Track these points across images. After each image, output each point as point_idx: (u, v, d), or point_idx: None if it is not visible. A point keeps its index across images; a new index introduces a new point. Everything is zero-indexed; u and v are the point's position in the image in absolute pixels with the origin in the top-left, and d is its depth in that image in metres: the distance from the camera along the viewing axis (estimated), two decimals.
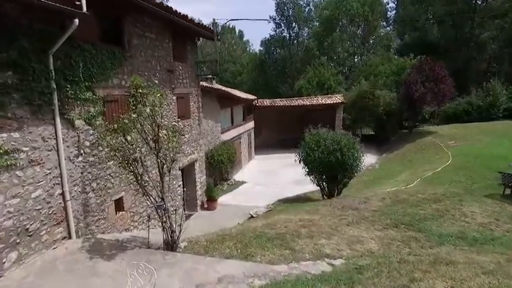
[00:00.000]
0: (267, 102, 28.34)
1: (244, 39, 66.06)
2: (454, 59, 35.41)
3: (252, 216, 11.74)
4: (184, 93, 11.70)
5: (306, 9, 45.27)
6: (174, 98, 10.86)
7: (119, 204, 7.83)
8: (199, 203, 13.16)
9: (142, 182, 6.03)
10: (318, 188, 13.95)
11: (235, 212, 12.73)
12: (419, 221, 7.58)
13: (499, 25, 36.89)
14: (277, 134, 28.15)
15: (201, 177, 13.49)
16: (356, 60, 42.56)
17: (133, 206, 8.47)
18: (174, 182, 11.01)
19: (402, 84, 26.92)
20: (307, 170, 13.48)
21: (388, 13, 47.09)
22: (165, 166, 6.09)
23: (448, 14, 39.12)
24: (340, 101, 27.85)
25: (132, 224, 8.40)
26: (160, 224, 6.04)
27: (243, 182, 17.98)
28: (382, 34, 42.28)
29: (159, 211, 5.94)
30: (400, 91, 27.18)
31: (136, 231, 8.28)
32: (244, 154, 23.03)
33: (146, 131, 5.76)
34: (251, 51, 61.69)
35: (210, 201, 13.09)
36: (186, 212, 12.47)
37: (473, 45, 38.72)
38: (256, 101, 26.50)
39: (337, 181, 13.21)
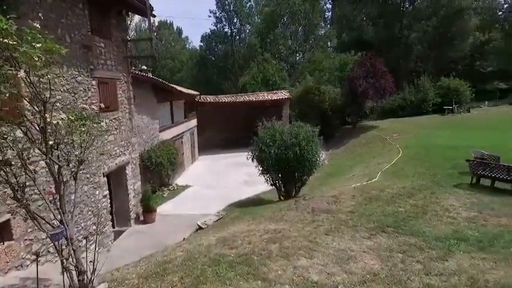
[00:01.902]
0: (210, 98, 26.27)
1: (183, 35, 62.75)
2: (387, 58, 37.28)
3: (200, 228, 9.72)
4: (109, 78, 9.21)
5: (248, 5, 44.11)
6: (94, 82, 8.36)
7: (1, 232, 5.27)
8: (133, 215, 10.69)
9: (25, 198, 3.73)
10: (272, 187, 12.53)
11: (180, 222, 10.58)
12: (405, 221, 6.42)
13: (424, 28, 39.80)
14: (223, 132, 26.25)
15: (134, 184, 11.02)
16: (298, 58, 42.58)
17: (30, 231, 5.91)
18: (97, 192, 8.48)
19: (346, 79, 27.07)
20: (261, 168, 11.93)
21: (326, 13, 48.35)
22: (65, 171, 3.90)
23: (379, 16, 41.23)
24: (286, 97, 27.03)
25: (28, 257, 5.84)
26: (66, 260, 3.81)
27: (187, 186, 15.75)
28: (322, 33, 42.96)
29: (56, 242, 3.72)
30: (344, 86, 27.31)
31: (37, 267, 5.74)
32: (187, 155, 20.70)
33: (24, 114, 3.50)
34: (191, 48, 58.70)
35: (148, 212, 10.69)
36: (115, 229, 9.94)
37: (403, 46, 41.34)
38: (198, 97, 24.28)
39: (295, 179, 11.89)
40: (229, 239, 6.03)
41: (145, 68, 18.21)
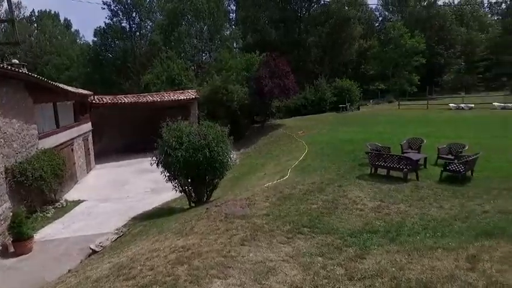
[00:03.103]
0: (107, 99, 23.32)
1: (72, 28, 55.18)
2: (289, 59, 39.60)
3: (94, 251, 8.09)
4: None
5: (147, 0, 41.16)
6: None
7: None
8: None
9: None
10: (182, 194, 11.51)
11: (67, 248, 8.67)
12: (319, 218, 6.30)
13: (319, 33, 43.47)
14: (125, 136, 23.63)
15: None
16: (205, 57, 41.70)
17: None
18: None
19: (252, 79, 27.42)
20: (168, 174, 10.76)
21: (231, 14, 48.74)
22: None
23: (281, 20, 43.47)
24: (194, 97, 25.91)
25: None
26: None
27: (79, 202, 13.38)
28: (227, 33, 42.99)
29: None
30: (251, 86, 27.61)
31: None
32: (80, 164, 17.84)
33: None
34: (82, 43, 52.00)
35: (20, 241, 8.42)
36: None
37: (302, 49, 44.46)
38: (92, 98, 21.27)
39: (206, 183, 11.10)
40: (127, 266, 4.91)
41: (16, 62, 14.86)
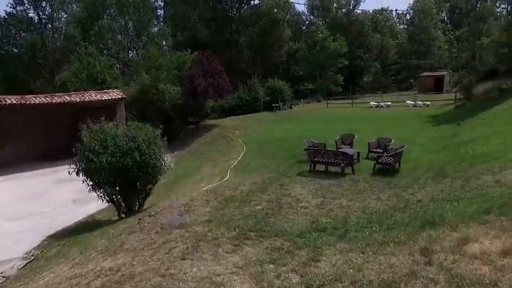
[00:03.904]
0: (13, 99, 19.94)
1: None
2: (222, 59, 39.14)
3: None
4: None
5: None
6: None
7: None
8: None
9: None
10: (110, 204, 10.22)
11: None
12: (265, 220, 5.97)
13: (250, 34, 43.90)
14: (38, 142, 20.54)
15: None
16: (131, 55, 38.84)
17: None
18: None
19: (185, 78, 26.30)
20: (91, 183, 9.43)
21: (159, 11, 46.35)
22: None
23: (212, 19, 42.78)
24: (120, 97, 23.74)
25: None
26: None
27: None
28: (156, 30, 40.73)
29: None
30: (183, 85, 26.46)
31: None
32: None
33: None
34: None
35: None
36: None
37: (234, 49, 44.40)
38: None
39: (137, 190, 10.02)
40: None
41: None
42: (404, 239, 3.95)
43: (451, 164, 9.00)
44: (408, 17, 59.57)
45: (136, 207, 10.04)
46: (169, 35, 39.76)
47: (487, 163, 7.85)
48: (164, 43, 42.76)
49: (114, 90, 24.50)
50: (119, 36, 36.65)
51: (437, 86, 37.72)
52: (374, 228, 4.94)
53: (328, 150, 10.32)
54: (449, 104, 24.65)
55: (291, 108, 36.13)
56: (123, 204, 9.93)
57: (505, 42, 29.92)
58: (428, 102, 27.30)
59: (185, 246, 4.98)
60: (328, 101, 36.04)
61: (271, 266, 4.00)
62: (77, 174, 9.32)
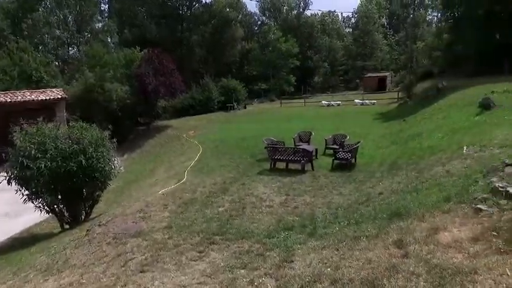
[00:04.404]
0: None
1: None
2: (173, 58, 37.78)
3: None
4: None
5: None
6: None
7: None
8: None
9: None
10: (51, 215, 9.13)
11: None
12: (230, 222, 5.66)
13: (202, 32, 42.95)
14: None
15: None
16: (72, 51, 35.79)
17: None
18: None
19: (134, 77, 24.86)
20: (27, 192, 8.31)
21: (102, 5, 43.35)
22: None
23: (162, 16, 41.08)
24: (60, 97, 21.69)
25: None
26: None
27: None
28: (99, 26, 38.03)
29: None
30: (133, 85, 25.00)
31: None
32: None
33: None
34: None
35: None
36: None
37: (185, 47, 43.14)
38: None
39: (83, 198, 9.07)
40: None
41: None
42: (376, 233, 3.91)
43: (402, 157, 9.46)
44: (353, 21, 63.04)
45: (83, 217, 9.10)
46: (115, 31, 37.37)
47: (435, 155, 8.34)
48: (110, 40, 40.13)
49: (53, 90, 22.29)
50: (57, 31, 33.53)
51: (381, 86, 40.29)
52: (342, 223, 4.89)
53: (287, 148, 10.28)
54: (393, 102, 26.38)
55: (246, 108, 36.07)
56: (66, 214, 8.92)
57: (436, 47, 33.07)
58: (375, 101, 29.00)
59: (143, 257, 4.47)
60: (282, 101, 36.62)
61: (243, 271, 3.70)
62: (9, 183, 8.16)
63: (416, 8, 47.59)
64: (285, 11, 53.76)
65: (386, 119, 19.23)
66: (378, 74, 43.81)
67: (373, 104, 28.24)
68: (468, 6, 23.47)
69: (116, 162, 10.56)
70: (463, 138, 8.82)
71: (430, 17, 59.79)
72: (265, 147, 10.41)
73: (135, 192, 11.66)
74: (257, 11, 58.05)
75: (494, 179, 4.29)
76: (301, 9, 53.66)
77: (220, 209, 6.46)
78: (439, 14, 53.88)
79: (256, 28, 56.94)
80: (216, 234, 5.13)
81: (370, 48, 53.74)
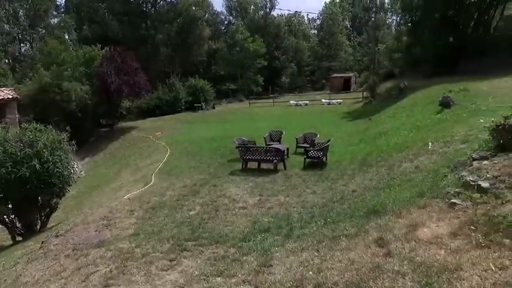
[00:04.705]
0: None
1: None
2: (138, 57, 36.34)
3: None
4: None
5: None
6: None
7: None
8: None
9: None
10: (1, 226, 8.28)
11: None
12: (201, 226, 5.39)
13: (168, 31, 41.74)
14: None
15: None
16: (24, 48, 33.20)
17: None
18: None
19: (95, 76, 23.54)
20: None
21: (58, 1, 40.72)
22: None
23: (124, 13, 39.35)
24: (11, 97, 19.92)
25: None
26: None
27: None
28: (55, 21, 35.63)
29: None
30: (93, 84, 23.67)
31: None
32: None
33: None
34: None
35: None
36: None
37: (150, 46, 41.71)
38: None
39: (38, 206, 8.31)
40: None
41: None
42: (355, 231, 3.83)
43: (371, 154, 9.63)
44: (318, 22, 64.52)
45: (38, 227, 8.34)
46: (72, 27, 35.21)
47: (402, 152, 8.56)
48: (67, 37, 37.73)
49: (3, 89, 20.46)
50: (6, 26, 30.93)
51: (346, 86, 41.50)
52: (319, 222, 4.79)
53: (259, 147, 10.10)
54: (358, 102, 27.21)
55: (214, 108, 35.56)
56: (18, 224, 8.12)
57: (396, 49, 34.69)
58: (341, 101, 29.76)
59: (108, 269, 4.07)
60: (250, 101, 36.54)
61: (219, 279, 3.45)
62: None
63: (377, 12, 49.68)
64: (251, 10, 53.75)
65: (353, 118, 19.73)
66: (343, 75, 45.08)
67: (340, 103, 28.96)
68: (425, 10, 24.73)
69: (75, 166, 9.86)
70: (427, 135, 9.16)
71: (390, 21, 62.67)
72: (237, 147, 10.17)
73: (98, 198, 10.93)
74: (224, 10, 57.66)
75: (464, 173, 4.39)
76: (267, 10, 53.93)
77: (191, 213, 6.13)
78: (398, 18, 56.78)
79: (223, 28, 56.45)
80: (187, 239, 4.82)
81: (334, 50, 55.22)
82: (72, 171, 8.77)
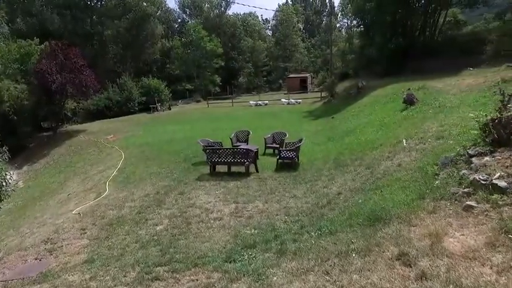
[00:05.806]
0: None
1: None
2: (84, 54, 33.34)
3: None
4: None
5: None
6: None
7: None
8: None
9: None
10: None
11: None
12: (173, 245, 4.53)
13: (117, 27, 38.96)
14: None
15: None
16: None
17: None
18: None
19: (33, 74, 20.92)
20: None
21: None
22: None
23: (64, 5, 35.90)
24: None
25: None
26: None
27: None
28: None
29: None
30: (31, 83, 21.04)
31: None
32: None
33: None
34: None
35: None
36: None
37: (97, 43, 38.67)
38: None
39: None
40: None
41: None
42: (365, 245, 3.28)
43: (343, 153, 9.37)
44: (273, 23, 65.04)
45: None
46: (3, 20, 31.26)
47: (376, 149, 8.38)
48: None
49: None
50: None
51: (303, 86, 42.09)
52: (312, 233, 4.20)
53: (227, 149, 9.33)
54: (316, 101, 27.52)
55: (170, 109, 33.90)
56: None
57: (349, 50, 35.98)
58: (300, 100, 29.92)
59: None
60: (209, 101, 35.42)
61: None
62: None
63: (330, 15, 51.22)
64: (206, 9, 52.46)
65: (315, 117, 19.71)
66: (299, 75, 45.72)
67: (299, 103, 29.10)
68: (377, 14, 25.77)
69: (8, 176, 8.33)
70: (398, 132, 9.10)
71: (340, 24, 65.14)
72: (203, 149, 9.30)
73: (39, 213, 9.33)
74: (177, 8, 55.62)
75: (465, 171, 4.09)
76: (222, 8, 53.02)
77: (158, 228, 5.21)
78: (349, 21, 59.22)
79: (176, 26, 54.44)
80: (158, 264, 3.94)
81: (290, 51, 55.97)
82: (4, 183, 7.30)
